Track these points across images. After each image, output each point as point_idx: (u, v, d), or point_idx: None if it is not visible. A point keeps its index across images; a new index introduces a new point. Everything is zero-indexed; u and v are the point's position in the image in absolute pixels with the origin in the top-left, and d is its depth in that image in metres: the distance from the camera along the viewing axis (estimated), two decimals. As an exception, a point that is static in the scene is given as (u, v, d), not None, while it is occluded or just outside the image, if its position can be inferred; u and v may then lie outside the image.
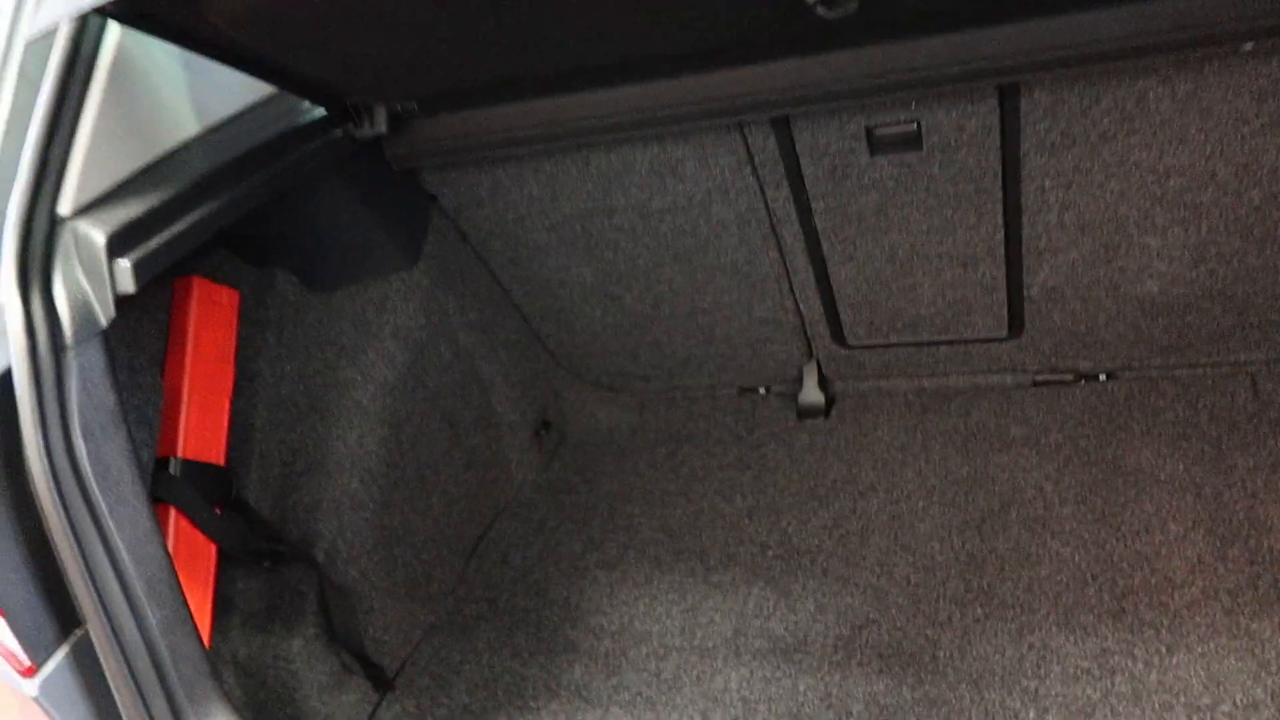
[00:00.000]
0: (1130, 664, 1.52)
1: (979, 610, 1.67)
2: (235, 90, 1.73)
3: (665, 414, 2.38)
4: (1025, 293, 1.94)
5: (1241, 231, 1.71)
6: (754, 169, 1.84)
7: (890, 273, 1.97)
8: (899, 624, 1.69)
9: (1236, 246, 1.74)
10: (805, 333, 2.16)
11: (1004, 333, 2.05)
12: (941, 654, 1.62)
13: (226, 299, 1.82)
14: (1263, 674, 1.46)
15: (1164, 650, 1.53)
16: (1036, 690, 1.52)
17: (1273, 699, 1.43)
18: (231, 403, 1.76)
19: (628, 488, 2.18)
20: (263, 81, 1.66)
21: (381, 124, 1.81)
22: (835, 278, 2.01)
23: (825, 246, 1.95)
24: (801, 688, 1.62)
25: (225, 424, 1.72)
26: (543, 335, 2.33)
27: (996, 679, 1.55)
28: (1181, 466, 1.85)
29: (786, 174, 1.83)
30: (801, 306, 2.09)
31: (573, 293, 2.19)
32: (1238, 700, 1.44)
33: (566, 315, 2.25)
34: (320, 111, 1.78)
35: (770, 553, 1.90)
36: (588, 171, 1.91)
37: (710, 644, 1.74)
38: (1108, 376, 2.09)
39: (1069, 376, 2.11)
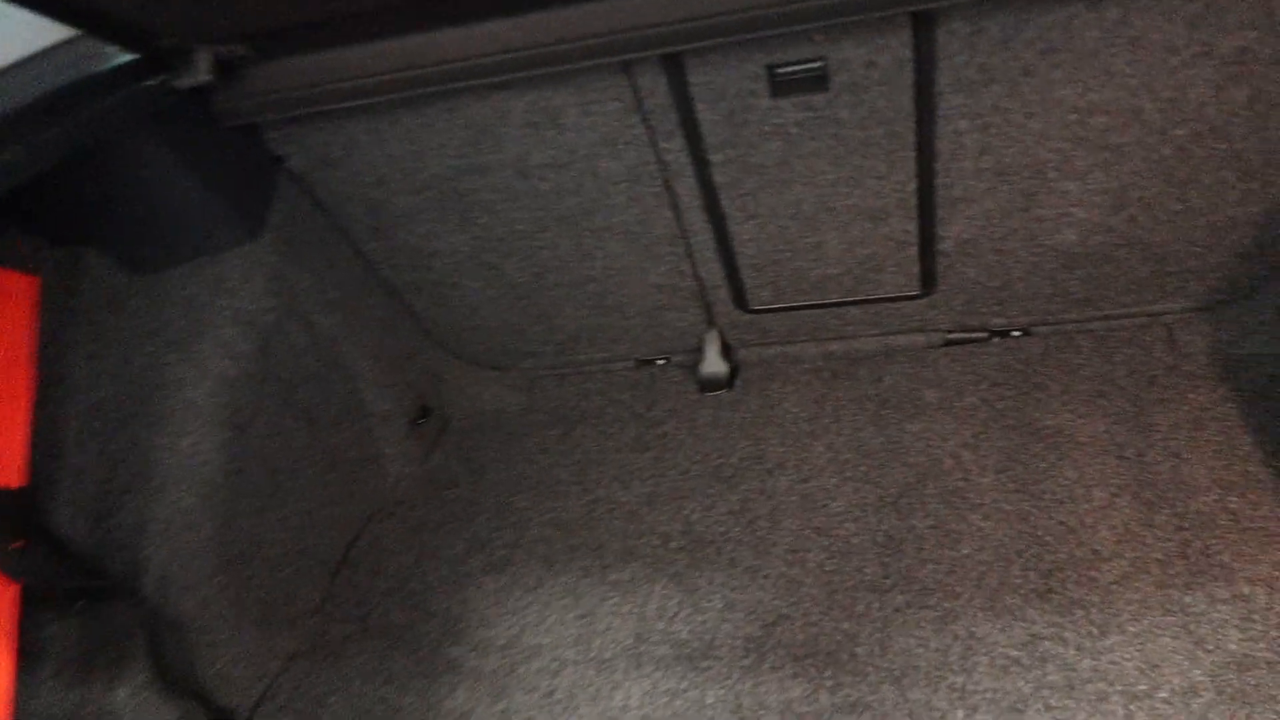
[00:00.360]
0: (1062, 650, 1.40)
1: (899, 598, 1.53)
2: (17, 33, 1.44)
3: (557, 393, 2.17)
4: (938, 247, 1.79)
5: (1164, 174, 1.59)
6: (643, 117, 1.63)
7: (795, 230, 1.79)
8: (814, 618, 1.54)
9: (1158, 190, 1.62)
10: (705, 298, 1.98)
11: (916, 290, 1.90)
12: (861, 650, 1.47)
13: (19, 286, 1.53)
14: (1199, 653, 1.36)
15: (1096, 632, 1.41)
16: (964, 686, 1.39)
17: (1211, 681, 1.32)
18: (32, 412, 1.48)
19: (517, 477, 1.97)
20: (54, 21, 1.38)
21: (204, 71, 1.54)
22: (736, 237, 1.82)
23: (724, 202, 1.76)
24: (709, 699, 1.46)
25: (23, 438, 1.45)
26: (416, 312, 2.09)
27: (921, 675, 1.42)
28: (1102, 426, 1.74)
29: (680, 121, 1.63)
30: (700, 269, 1.90)
31: (447, 263, 1.95)
32: (1175, 685, 1.33)
33: (441, 289, 2.02)
34: (127, 56, 1.49)
35: (673, 544, 1.72)
36: (455, 124, 1.67)
37: (608, 654, 1.56)
38: (1023, 333, 1.97)
39: (983, 334, 1.98)
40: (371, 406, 1.96)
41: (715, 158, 1.68)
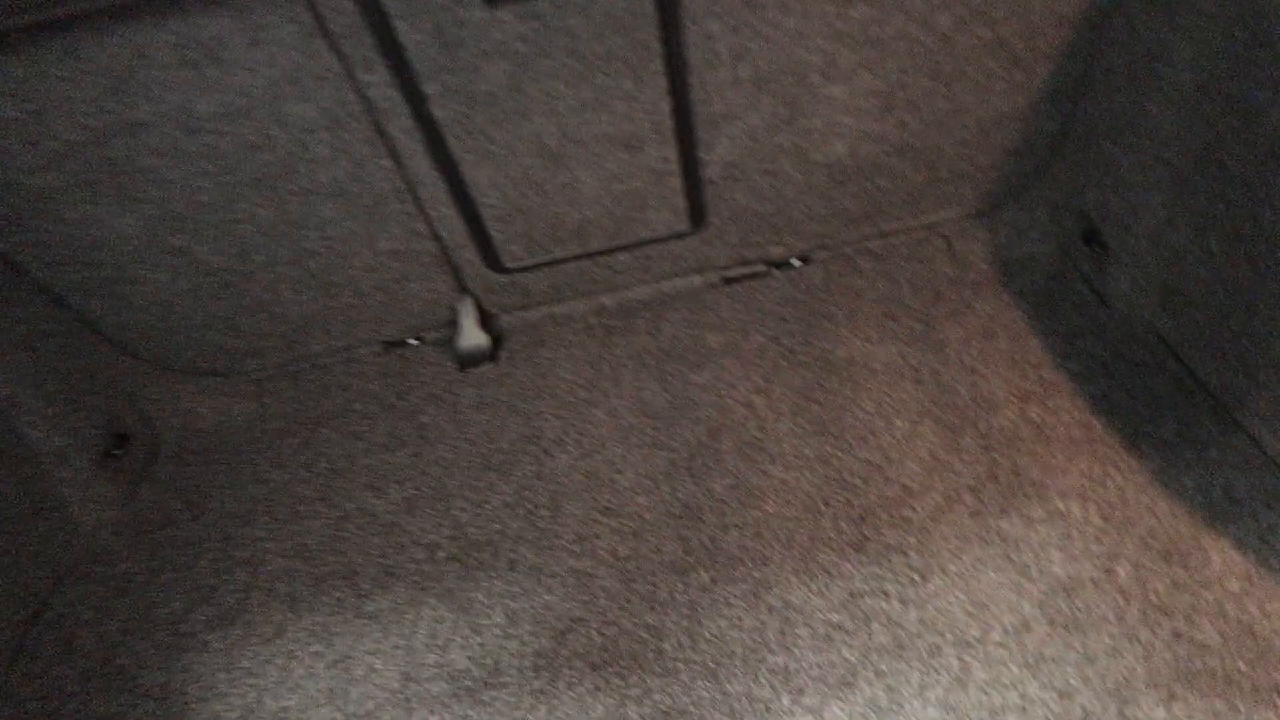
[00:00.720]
0: (885, 605, 1.25)
1: (704, 575, 1.33)
2: None
3: (292, 394, 1.82)
4: (703, 174, 1.59)
5: (930, 69, 1.45)
6: (331, 43, 1.31)
7: (541, 169, 1.54)
8: (611, 616, 1.31)
9: (925, 88, 1.48)
10: (450, 261, 1.69)
11: (685, 227, 1.70)
12: (668, 645, 1.26)
13: None
14: (1025, 584, 1.24)
15: (918, 578, 1.27)
16: (786, 666, 1.21)
17: (1042, 612, 1.21)
18: None
19: (248, 502, 1.62)
20: None
21: None
22: (473, 184, 1.55)
23: (452, 143, 1.48)
24: (498, 739, 1.21)
25: None
26: (92, 318, 1.68)
27: (738, 663, 1.22)
28: (894, 350, 1.61)
29: (378, 46, 1.33)
30: (438, 228, 1.61)
31: (118, 253, 1.56)
32: (1007, 623, 1.20)
33: (119, 286, 1.61)
34: None
35: (441, 554, 1.45)
36: (81, 71, 1.28)
37: (370, 705, 1.27)
38: (802, 261, 1.81)
39: (761, 268, 1.82)
40: (39, 444, 1.55)
41: (430, 89, 1.39)
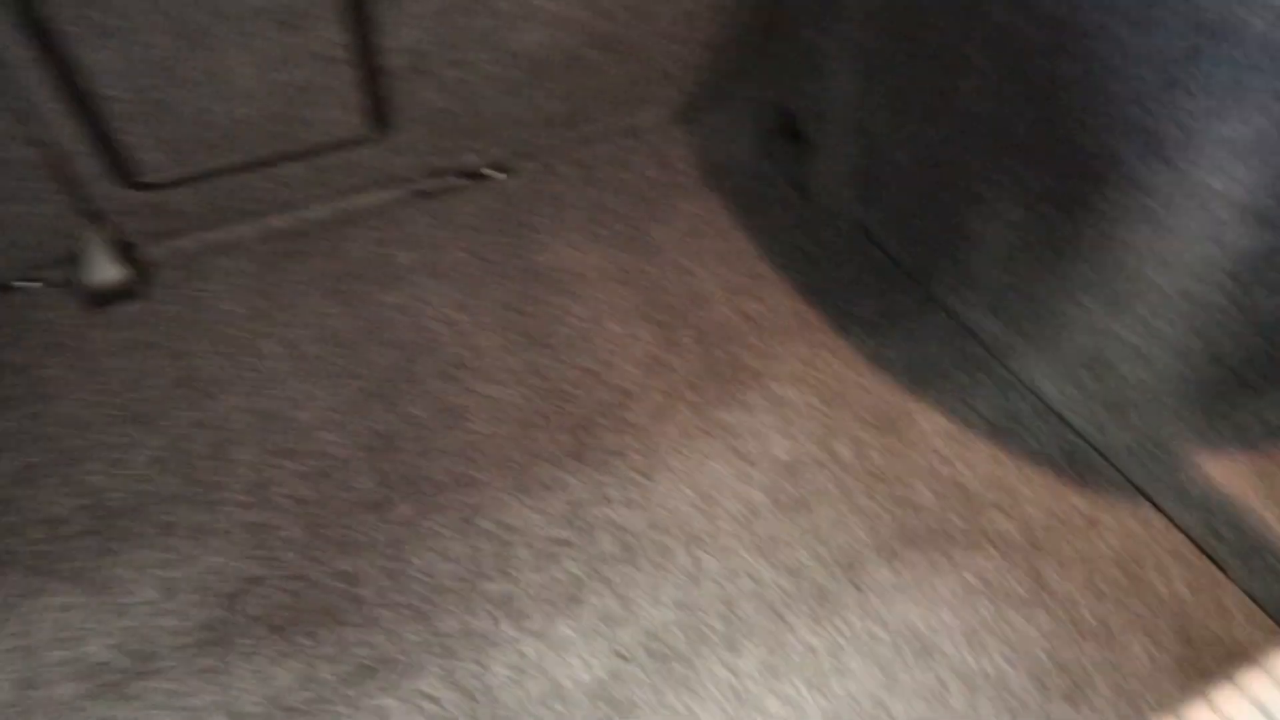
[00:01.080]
0: (610, 512, 1.14)
1: (406, 508, 1.15)
2: None
3: None
4: (383, 63, 1.39)
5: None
6: None
7: (178, 51, 1.26)
8: (296, 569, 1.10)
9: (614, -38, 1.38)
10: (66, 174, 1.36)
11: (365, 130, 1.48)
12: (368, 591, 1.07)
13: None
14: (749, 471, 1.18)
15: (642, 480, 1.17)
16: (506, 593, 1.06)
17: (768, 496, 1.15)
18: None
19: None
20: None
21: None
22: (91, 70, 1.24)
23: (48, 10, 1.17)
24: (153, 733, 0.96)
25: None
26: None
27: (451, 597, 1.06)
28: (603, 256, 1.51)
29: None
30: (41, 129, 1.28)
31: None
32: (735, 512, 1.13)
33: None
34: None
35: (69, 529, 1.15)
36: None
37: (-30, 725, 0.97)
38: (501, 171, 1.66)
39: (456, 180, 1.65)
40: None
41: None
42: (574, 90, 1.57)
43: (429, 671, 0.99)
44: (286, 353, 1.36)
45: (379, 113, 1.47)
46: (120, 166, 1.38)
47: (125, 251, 1.50)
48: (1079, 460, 1.18)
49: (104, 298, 1.46)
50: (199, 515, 1.15)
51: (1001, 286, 1.27)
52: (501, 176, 1.66)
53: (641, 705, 0.96)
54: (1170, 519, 1.12)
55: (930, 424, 1.23)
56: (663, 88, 1.64)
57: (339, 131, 1.47)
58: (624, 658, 1.00)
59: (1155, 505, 1.13)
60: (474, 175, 1.65)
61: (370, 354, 1.36)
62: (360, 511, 1.15)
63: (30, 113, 1.25)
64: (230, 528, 1.14)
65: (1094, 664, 0.99)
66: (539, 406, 1.27)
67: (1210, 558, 1.08)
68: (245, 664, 1.01)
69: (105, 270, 1.46)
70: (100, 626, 1.05)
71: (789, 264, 1.47)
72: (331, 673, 0.99)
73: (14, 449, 1.26)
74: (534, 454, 1.21)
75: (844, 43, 1.40)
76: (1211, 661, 0.99)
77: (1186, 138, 0.97)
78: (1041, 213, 1.18)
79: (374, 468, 1.20)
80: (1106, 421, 1.17)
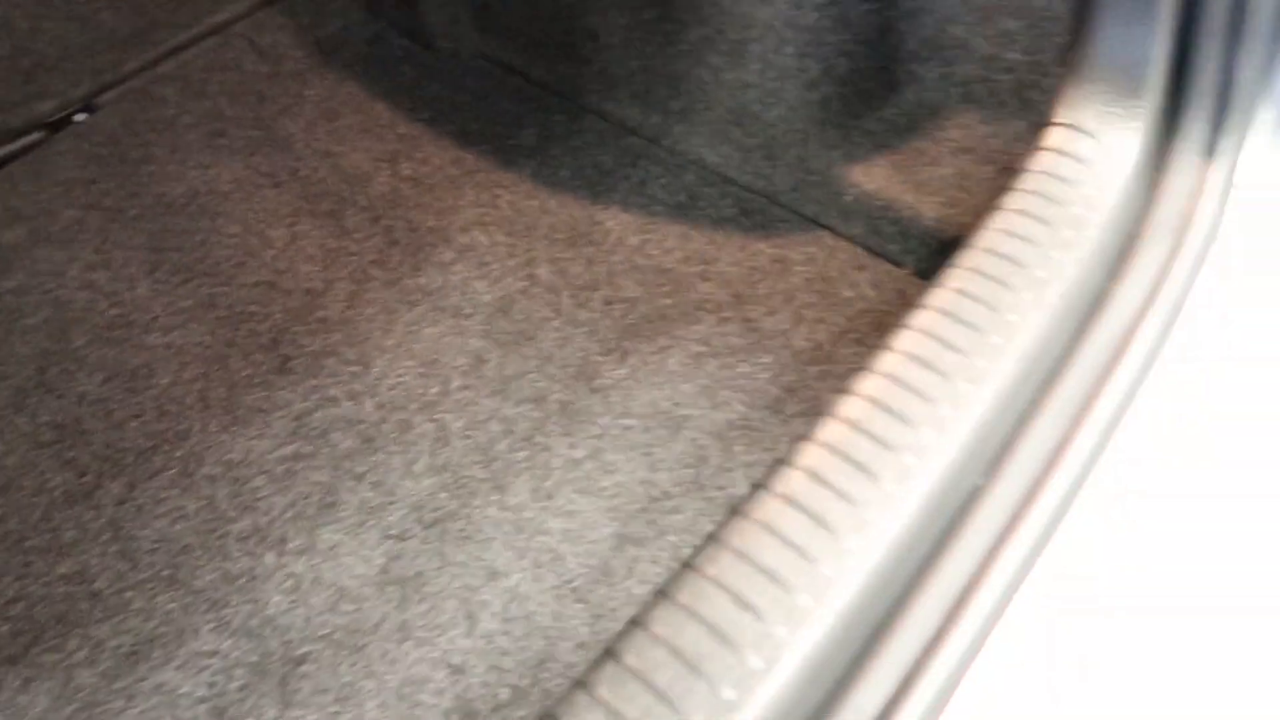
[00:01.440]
0: (336, 411, 1.09)
1: (115, 486, 1.04)
2: None
3: None
4: None
5: None
6: None
7: None
8: (12, 593, 0.97)
9: None
10: None
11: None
12: (102, 583, 0.97)
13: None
14: (463, 323, 1.17)
15: (360, 369, 1.13)
16: (255, 525, 1.00)
17: (489, 340, 1.15)
18: None
19: None
20: None
21: None
22: None
23: None
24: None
25: None
26: None
27: (199, 553, 0.99)
28: (239, 166, 1.39)
29: None
30: None
31: None
32: (459, 365, 1.12)
33: None
34: None
35: None
36: None
37: None
38: (87, 111, 1.47)
39: (37, 135, 1.43)
40: None
41: None
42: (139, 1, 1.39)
43: (200, 631, 0.93)
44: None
45: None
46: None
47: None
48: (755, 212, 1.27)
49: None
50: None
51: (637, 74, 1.30)
52: (90, 118, 1.46)
53: (429, 572, 0.95)
54: (841, 235, 1.23)
55: (618, 223, 1.26)
56: None
57: None
58: (398, 538, 0.98)
59: (828, 228, 1.24)
60: (58, 125, 1.44)
61: (9, 350, 1.18)
62: (63, 509, 1.03)
63: None
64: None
65: (815, 378, 1.09)
66: (225, 336, 1.17)
67: (880, 255, 1.21)
68: (-13, 710, 0.89)
69: None
70: None
71: (435, 117, 1.42)
72: (92, 675, 0.90)
73: None
74: (236, 385, 1.12)
75: None
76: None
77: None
78: None
79: (62, 460, 1.07)
80: (765, 168, 1.25)
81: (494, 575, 0.94)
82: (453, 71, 1.49)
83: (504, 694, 0.86)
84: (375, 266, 1.23)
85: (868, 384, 0.67)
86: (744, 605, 0.57)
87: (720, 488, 0.99)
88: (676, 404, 1.07)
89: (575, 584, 0.93)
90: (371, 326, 1.17)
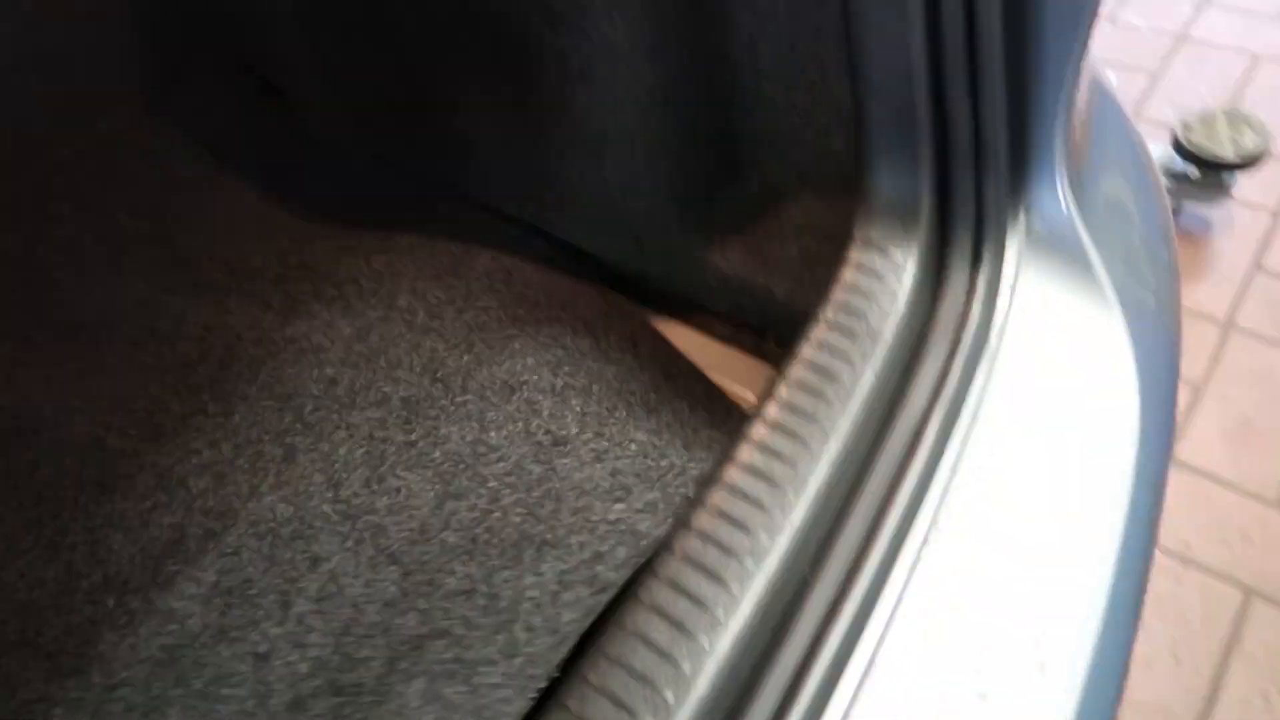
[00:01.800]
0: (200, 460, 1.08)
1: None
2: None
3: None
4: None
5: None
6: None
7: None
8: None
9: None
10: None
11: None
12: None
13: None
14: (319, 356, 1.16)
15: (223, 418, 1.13)
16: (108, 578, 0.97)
17: (340, 366, 1.13)
18: None
19: None
20: None
21: None
22: None
23: None
24: None
25: None
26: None
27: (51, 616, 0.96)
28: (137, 290, 1.44)
29: None
30: None
31: None
32: (315, 391, 1.11)
33: None
34: None
35: None
36: None
37: None
38: None
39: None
40: None
41: None
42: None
43: (32, 682, 0.89)
44: None
45: None
46: None
47: None
48: (628, 284, 1.27)
49: None
50: None
51: (510, 172, 1.32)
52: None
53: (255, 576, 0.90)
54: (709, 311, 1.23)
55: (487, 270, 1.25)
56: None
57: None
58: (233, 554, 0.94)
59: (700, 306, 1.23)
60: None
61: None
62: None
63: None
64: None
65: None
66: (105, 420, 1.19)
67: (746, 327, 1.20)
68: None
69: None
70: None
71: (326, 214, 1.46)
72: None
73: None
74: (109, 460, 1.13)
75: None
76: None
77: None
78: (503, 93, 1.24)
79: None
80: (636, 254, 1.25)
81: (316, 562, 0.89)
82: (339, 170, 1.56)
83: (303, 668, 0.79)
84: (249, 330, 1.25)
85: (714, 496, 0.73)
86: (619, 705, 0.61)
87: (549, 431, 0.93)
88: (514, 374, 1.02)
89: (391, 549, 0.87)
90: (239, 381, 1.17)
